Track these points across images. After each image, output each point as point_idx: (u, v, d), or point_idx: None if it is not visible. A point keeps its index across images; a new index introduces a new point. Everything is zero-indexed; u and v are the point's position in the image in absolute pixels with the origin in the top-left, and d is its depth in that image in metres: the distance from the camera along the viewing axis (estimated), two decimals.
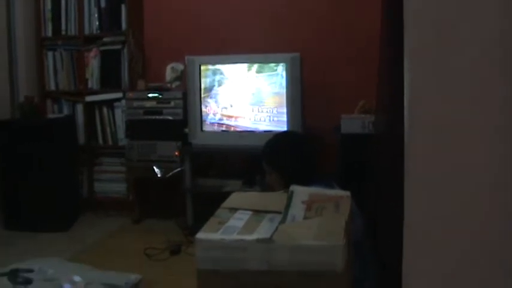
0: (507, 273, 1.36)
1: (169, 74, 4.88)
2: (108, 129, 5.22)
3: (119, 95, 5.08)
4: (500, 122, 1.33)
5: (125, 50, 5.07)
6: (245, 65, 4.41)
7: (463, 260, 1.41)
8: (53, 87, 5.36)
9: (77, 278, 3.18)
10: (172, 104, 4.70)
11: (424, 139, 1.43)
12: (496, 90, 1.34)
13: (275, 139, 3.12)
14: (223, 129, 4.50)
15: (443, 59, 1.39)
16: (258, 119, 4.39)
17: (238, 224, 1.83)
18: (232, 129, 4.47)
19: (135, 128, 4.81)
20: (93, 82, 5.23)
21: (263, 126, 4.38)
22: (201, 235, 1.75)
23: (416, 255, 1.47)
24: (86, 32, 5.21)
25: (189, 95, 4.54)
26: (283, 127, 4.29)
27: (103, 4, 5.12)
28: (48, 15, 5.29)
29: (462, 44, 1.36)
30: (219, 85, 4.48)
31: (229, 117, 4.48)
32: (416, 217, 1.45)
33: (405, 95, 1.46)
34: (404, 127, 1.48)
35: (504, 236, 1.36)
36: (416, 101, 1.44)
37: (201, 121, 4.51)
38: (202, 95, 4.50)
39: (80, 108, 5.29)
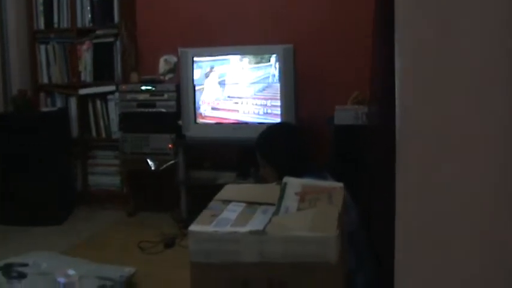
0: (497, 266, 1.36)
1: (162, 67, 4.87)
2: (101, 122, 5.21)
3: (112, 87, 5.06)
4: (493, 118, 1.33)
5: (118, 43, 5.06)
6: (238, 57, 4.40)
7: (454, 252, 1.41)
8: (45, 80, 5.35)
9: (71, 272, 3.18)
10: (165, 96, 4.69)
11: (416, 135, 1.43)
12: (489, 85, 1.34)
13: (268, 131, 3.12)
14: (217, 121, 4.49)
15: (435, 54, 1.38)
16: (252, 111, 4.39)
17: (232, 216, 1.83)
18: (225, 121, 4.47)
19: (128, 121, 4.79)
20: (86, 75, 5.21)
21: (257, 118, 4.37)
22: (194, 227, 1.75)
23: (407, 249, 1.47)
24: (79, 24, 5.19)
25: (182, 87, 4.52)
26: (276, 119, 4.29)
27: None
28: (40, 8, 5.27)
29: (455, 37, 1.36)
30: (212, 77, 4.47)
31: (223, 109, 4.46)
32: (408, 211, 1.45)
33: (396, 86, 1.46)
34: (396, 123, 1.48)
35: (495, 228, 1.36)
36: (407, 96, 1.44)
37: (195, 113, 4.50)
38: (195, 87, 4.48)
39: (73, 101, 5.28)
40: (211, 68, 4.47)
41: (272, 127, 3.26)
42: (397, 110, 1.48)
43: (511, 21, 1.29)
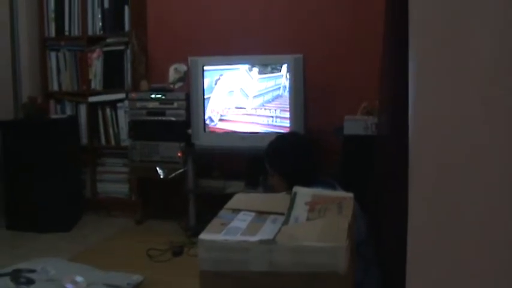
0: None
1: (172, 75, 4.88)
2: (111, 130, 5.22)
3: (122, 95, 5.08)
4: (509, 120, 1.32)
5: (128, 51, 5.08)
6: (248, 66, 4.41)
7: (468, 264, 1.40)
8: (56, 87, 5.37)
9: (79, 279, 3.19)
10: (175, 104, 4.70)
11: (429, 139, 1.43)
12: (503, 88, 1.33)
13: (277, 141, 3.12)
14: (226, 130, 4.49)
15: (450, 59, 1.38)
16: (261, 120, 4.39)
17: (242, 225, 1.83)
18: (235, 130, 4.47)
19: (138, 129, 4.80)
20: (96, 83, 5.23)
21: (266, 127, 4.38)
22: (204, 236, 1.75)
23: (420, 259, 1.46)
24: (89, 32, 5.21)
25: (192, 96, 4.53)
26: (285, 128, 4.29)
27: (106, 5, 5.13)
28: (52, 15, 5.30)
29: (469, 43, 1.35)
30: (222, 86, 4.48)
31: (232, 118, 4.47)
32: (421, 219, 1.45)
33: (410, 94, 1.45)
34: (409, 126, 1.47)
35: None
36: (421, 101, 1.44)
37: (204, 122, 4.50)
38: (205, 96, 4.49)
39: (83, 108, 5.29)
40: (221, 76, 4.47)
41: (281, 136, 3.26)
42: (410, 113, 1.47)
43: None
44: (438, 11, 1.40)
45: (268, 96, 4.36)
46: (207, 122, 4.51)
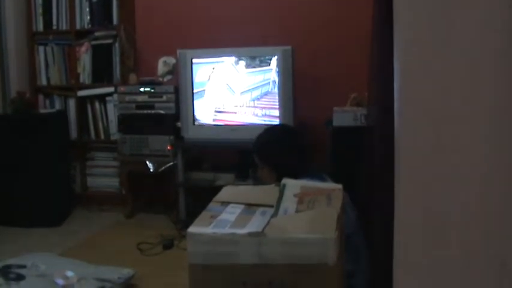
0: (497, 268, 1.36)
1: (161, 68, 4.86)
2: (100, 124, 5.21)
3: (111, 89, 5.07)
4: (493, 116, 1.33)
5: (117, 45, 5.07)
6: (237, 58, 4.40)
7: (453, 254, 1.41)
8: (44, 82, 5.36)
9: (69, 274, 3.18)
10: (164, 98, 4.69)
11: (415, 133, 1.43)
12: (488, 83, 1.33)
13: (265, 133, 3.12)
14: (216, 123, 4.48)
15: (434, 53, 1.38)
16: (250, 113, 4.39)
17: (230, 218, 1.83)
18: (224, 122, 4.46)
19: (127, 123, 4.79)
20: (84, 77, 5.22)
21: (255, 119, 4.37)
22: (192, 229, 1.75)
23: (406, 250, 1.47)
24: (78, 26, 5.20)
25: (181, 89, 4.52)
26: (275, 120, 4.29)
27: None
28: (39, 9, 5.28)
29: (454, 37, 1.36)
30: (211, 78, 4.46)
31: (222, 111, 4.46)
32: (407, 211, 1.45)
33: (395, 89, 1.46)
34: (395, 121, 1.48)
35: (495, 229, 1.36)
36: (406, 95, 1.44)
37: (193, 115, 4.49)
38: (194, 89, 4.48)
39: (71, 103, 5.28)
40: (211, 69, 4.46)
41: (269, 129, 3.26)
42: (396, 108, 1.48)
43: (507, 21, 1.29)
44: (421, 6, 1.40)
45: (258, 88, 4.35)
46: (196, 115, 4.50)
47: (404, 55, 1.44)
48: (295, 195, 1.99)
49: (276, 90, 4.29)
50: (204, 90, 4.48)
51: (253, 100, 4.37)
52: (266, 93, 4.33)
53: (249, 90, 4.37)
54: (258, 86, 4.35)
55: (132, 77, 4.94)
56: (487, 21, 1.31)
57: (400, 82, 1.45)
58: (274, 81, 4.29)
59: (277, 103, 4.29)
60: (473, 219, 1.37)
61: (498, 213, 1.35)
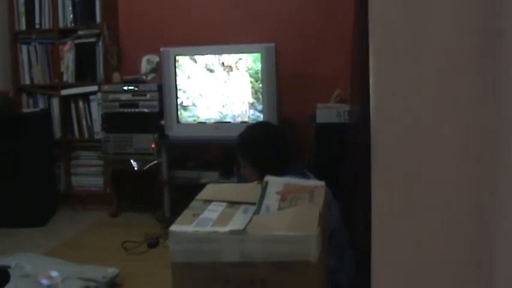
0: (473, 262, 1.38)
1: (144, 66, 4.86)
2: (84, 123, 5.19)
3: (95, 88, 5.06)
4: (468, 111, 1.34)
5: (100, 43, 5.04)
6: (221, 56, 4.39)
7: (429, 250, 1.42)
8: (27, 81, 5.32)
9: (54, 274, 3.17)
10: (148, 96, 4.68)
11: (390, 130, 1.44)
12: (464, 81, 1.34)
13: (247, 131, 3.12)
14: (200, 120, 4.48)
15: (410, 51, 1.39)
16: (234, 110, 4.39)
17: (213, 216, 1.83)
18: (208, 120, 4.46)
19: (111, 121, 4.78)
20: (68, 75, 5.19)
21: (239, 117, 4.38)
22: (174, 228, 1.76)
23: (384, 246, 1.48)
24: (60, 25, 5.17)
25: (165, 87, 4.51)
26: (259, 117, 4.29)
27: None
28: (22, 8, 5.24)
29: (429, 35, 1.37)
30: (195, 76, 4.46)
31: (206, 108, 4.46)
32: (384, 208, 1.46)
33: (370, 85, 1.47)
34: (370, 118, 1.49)
35: (469, 226, 1.37)
36: (381, 92, 1.45)
37: (177, 113, 4.49)
38: (177, 87, 4.48)
39: (55, 102, 5.26)
40: (194, 67, 4.45)
41: (251, 127, 3.26)
42: (371, 105, 1.49)
43: (484, 19, 1.30)
44: (396, 7, 1.41)
45: (241, 86, 4.35)
46: (180, 112, 4.49)
47: (378, 52, 1.45)
48: (277, 193, 2.00)
49: (259, 83, 4.29)
50: (187, 87, 4.47)
51: (237, 93, 4.37)
52: (250, 87, 4.33)
53: (232, 84, 4.37)
54: (241, 80, 4.35)
55: (116, 76, 4.93)
56: (463, 19, 1.32)
57: (375, 79, 1.45)
58: (257, 75, 4.29)
59: (261, 97, 4.30)
60: (451, 215, 1.39)
61: (473, 208, 1.36)
